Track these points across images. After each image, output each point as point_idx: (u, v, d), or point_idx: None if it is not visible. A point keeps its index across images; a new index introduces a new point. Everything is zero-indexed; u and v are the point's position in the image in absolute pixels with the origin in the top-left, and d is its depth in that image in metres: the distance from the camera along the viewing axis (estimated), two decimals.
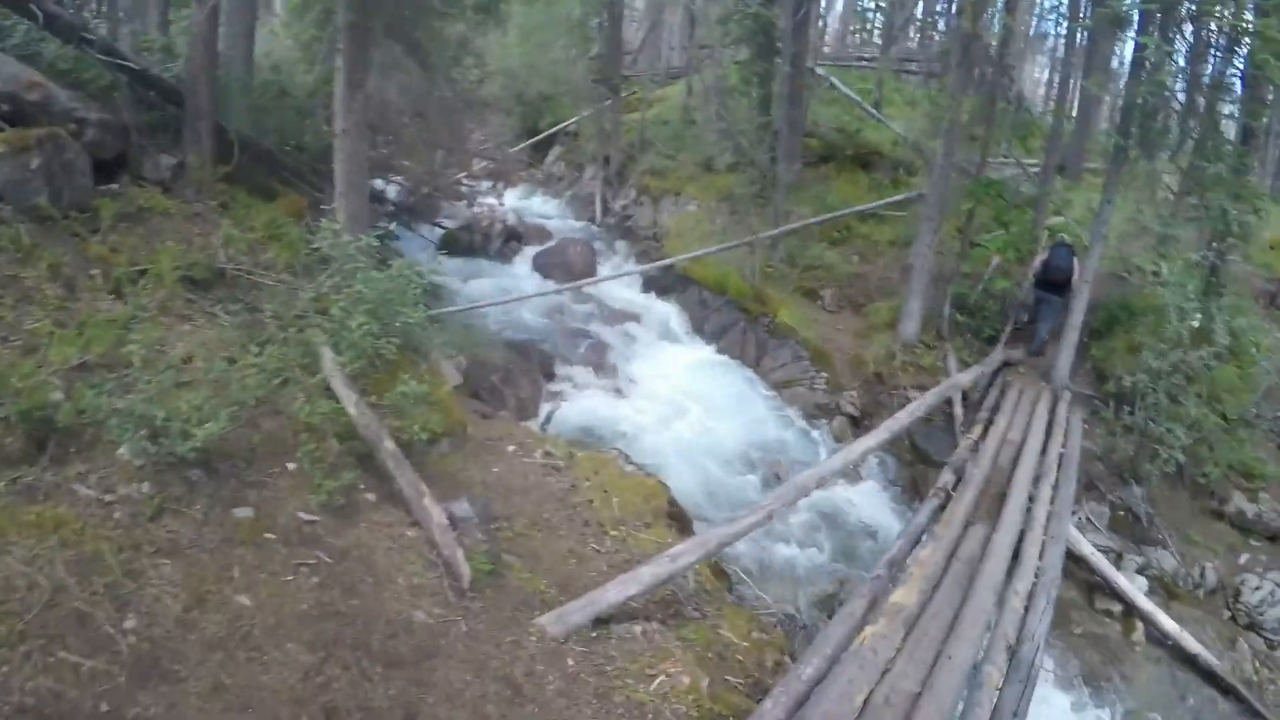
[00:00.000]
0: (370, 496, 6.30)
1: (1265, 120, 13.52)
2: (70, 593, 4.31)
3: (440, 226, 16.22)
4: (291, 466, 6.15)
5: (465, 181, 16.76)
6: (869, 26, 35.13)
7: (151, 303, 7.07)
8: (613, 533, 7.09)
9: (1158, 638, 9.34)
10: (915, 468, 11.38)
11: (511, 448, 8.30)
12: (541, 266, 16.48)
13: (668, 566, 5.81)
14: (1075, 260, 12.18)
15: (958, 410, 11.26)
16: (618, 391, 12.10)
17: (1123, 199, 12.22)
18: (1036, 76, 34.95)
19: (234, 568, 5.02)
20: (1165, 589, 9.97)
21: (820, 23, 30.96)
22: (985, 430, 9.92)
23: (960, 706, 5.32)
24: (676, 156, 19.10)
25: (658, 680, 5.27)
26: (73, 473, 5.20)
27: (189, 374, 6.21)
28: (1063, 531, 7.83)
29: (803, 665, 5.26)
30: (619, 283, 15.84)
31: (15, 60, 7.77)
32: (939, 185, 12.59)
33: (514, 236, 17.61)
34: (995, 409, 10.78)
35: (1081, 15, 17.15)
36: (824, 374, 12.77)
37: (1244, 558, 10.41)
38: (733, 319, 14.31)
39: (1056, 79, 25.56)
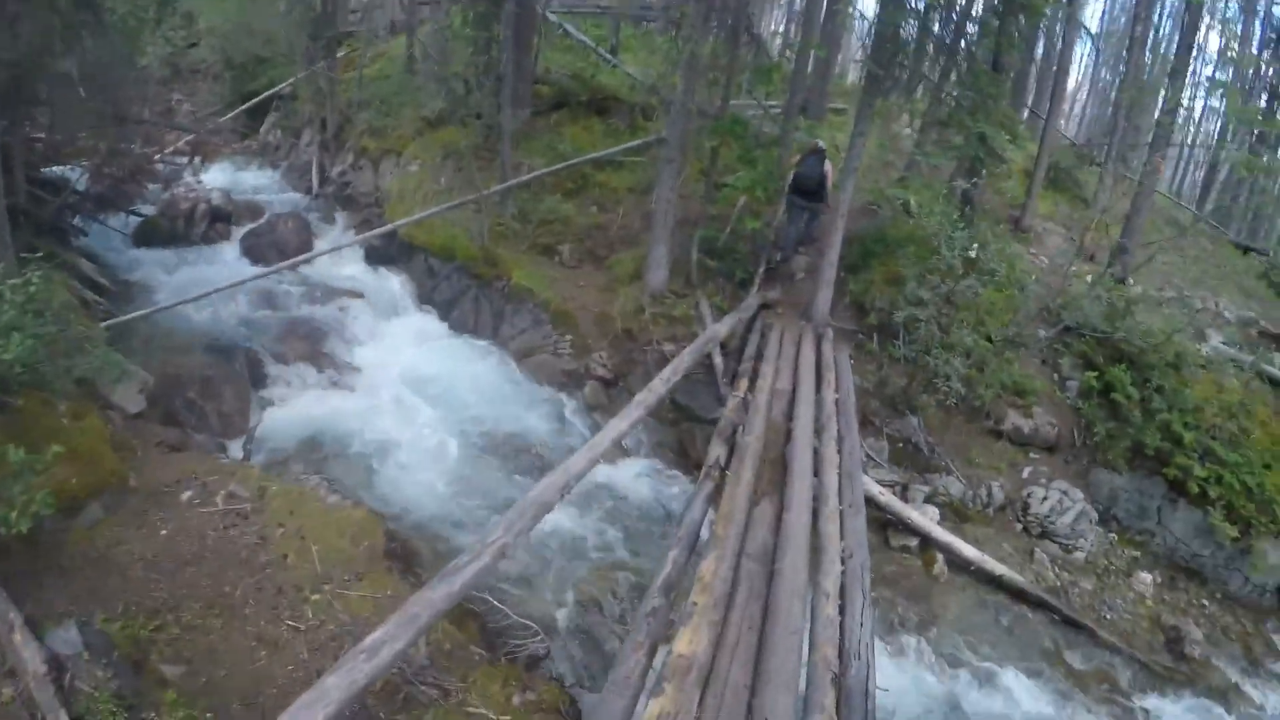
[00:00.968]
0: None
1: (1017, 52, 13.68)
2: None
3: (137, 214, 13.83)
4: None
5: (168, 159, 14.51)
6: None
7: None
8: (314, 597, 5.92)
9: (960, 564, 9.30)
10: (680, 427, 10.65)
11: (188, 494, 6.82)
12: (251, 249, 14.35)
13: (365, 668, 4.08)
14: (828, 165, 11.86)
15: (718, 361, 10.40)
16: (340, 386, 10.61)
17: (874, 133, 12.13)
18: (773, 30, 35.25)
19: None
20: (956, 513, 9.95)
21: None
22: (752, 382, 8.92)
23: None
24: (397, 113, 17.33)
25: None
26: None
27: None
28: (859, 496, 6.81)
29: None
30: (339, 258, 14.00)
31: None
32: (679, 125, 11.63)
33: (221, 217, 15.24)
34: (759, 356, 9.87)
35: None
36: (569, 336, 11.79)
37: (1027, 471, 10.52)
38: (464, 286, 13.01)
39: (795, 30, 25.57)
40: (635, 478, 9.68)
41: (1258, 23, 22.25)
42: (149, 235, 13.74)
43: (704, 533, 6.12)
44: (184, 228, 14.44)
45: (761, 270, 12.36)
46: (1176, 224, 16.58)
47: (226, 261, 13.94)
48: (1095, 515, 10.33)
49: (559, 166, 14.19)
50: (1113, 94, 29.92)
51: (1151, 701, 8.78)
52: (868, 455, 10.10)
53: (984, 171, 12.14)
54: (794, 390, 8.83)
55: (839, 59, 21.44)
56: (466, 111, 14.22)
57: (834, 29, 16.86)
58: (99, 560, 5.86)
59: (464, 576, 4.65)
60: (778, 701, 4.37)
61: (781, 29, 33.19)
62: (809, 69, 15.96)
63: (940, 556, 9.40)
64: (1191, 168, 31.98)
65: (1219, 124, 26.18)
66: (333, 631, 5.67)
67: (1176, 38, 20.62)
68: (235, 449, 8.83)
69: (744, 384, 8.78)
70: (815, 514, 6.43)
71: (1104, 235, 13.53)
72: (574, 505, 8.68)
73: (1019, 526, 10.15)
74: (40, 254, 6.84)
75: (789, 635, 4.82)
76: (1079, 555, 10.00)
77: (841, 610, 5.27)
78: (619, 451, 9.89)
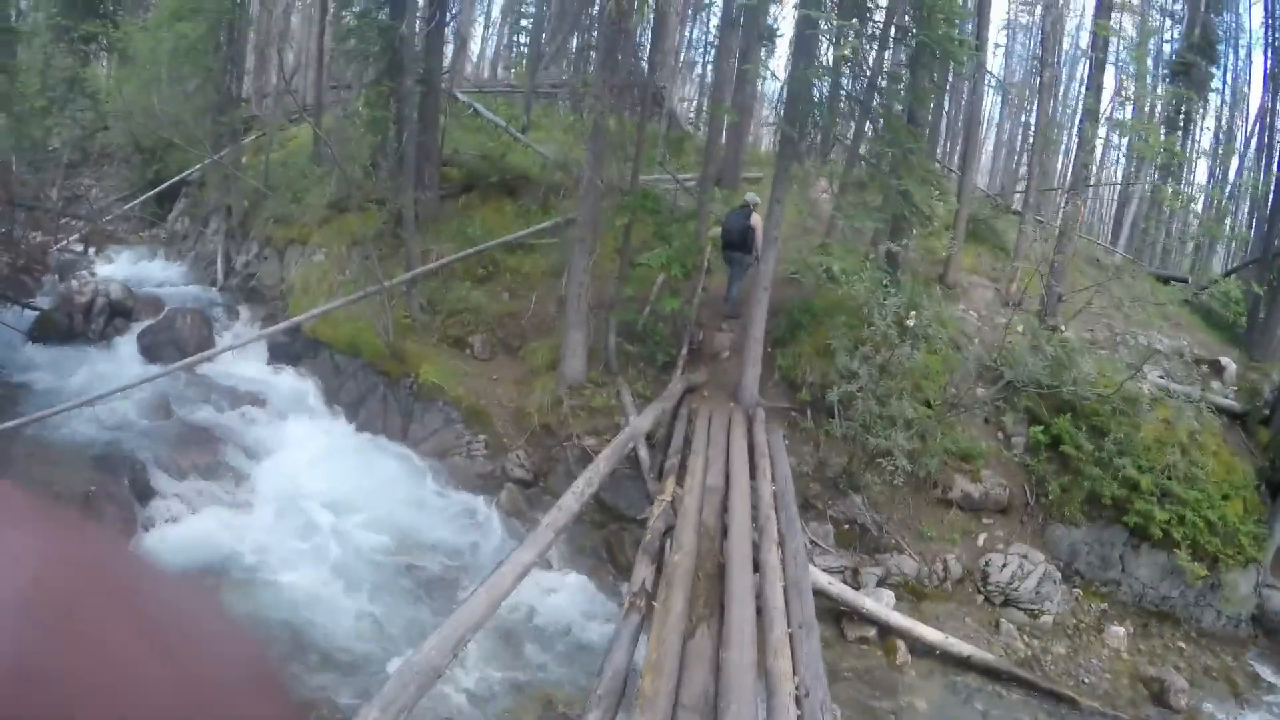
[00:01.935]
0: None
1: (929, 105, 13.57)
2: None
3: (32, 308, 13.03)
4: None
5: (66, 248, 13.94)
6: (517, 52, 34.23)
7: None
8: None
9: (924, 649, 8.78)
10: (607, 529, 9.94)
11: None
12: (148, 347, 13.38)
13: None
14: (755, 218, 11.61)
15: (643, 455, 9.72)
16: (236, 503, 9.58)
17: (791, 199, 11.74)
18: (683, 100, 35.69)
19: None
20: (913, 592, 9.51)
21: (466, 49, 29.86)
22: (680, 479, 8.19)
23: None
24: (302, 200, 16.47)
25: None
26: None
27: None
28: (809, 611, 5.99)
29: None
30: (242, 356, 13.08)
31: None
32: (589, 202, 11.10)
33: (121, 312, 14.26)
34: (687, 446, 9.20)
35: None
36: (483, 436, 11.03)
37: (982, 539, 10.12)
38: (371, 384, 12.19)
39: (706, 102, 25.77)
40: (554, 597, 8.83)
41: (1149, 60, 22.83)
42: (45, 330, 12.92)
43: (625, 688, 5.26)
44: (81, 323, 13.53)
45: (684, 351, 11.74)
46: (1097, 263, 16.48)
47: (123, 360, 12.98)
48: (1058, 575, 9.88)
49: (468, 252, 13.48)
50: (1018, 143, 30.72)
51: None
52: (812, 542, 9.49)
53: (913, 230, 11.80)
54: (727, 485, 8.14)
55: (751, 127, 21.29)
56: (366, 197, 13.53)
57: (745, 95, 16.61)
58: None
59: None
60: None
61: (693, 99, 33.41)
62: (722, 138, 15.64)
63: (901, 644, 8.82)
64: (1099, 205, 32.82)
65: (1123, 161, 26.84)
66: None
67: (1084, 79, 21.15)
68: None
69: (670, 483, 8.05)
70: (761, 642, 5.65)
71: (1030, 282, 13.23)
72: (476, 645, 7.81)
73: (980, 598, 9.66)
74: None
75: None
76: (1046, 619, 9.53)
77: None
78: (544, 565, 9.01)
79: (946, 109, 21.93)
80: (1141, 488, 9.82)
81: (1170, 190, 16.26)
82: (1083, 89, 22.93)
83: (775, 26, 11.54)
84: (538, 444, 10.81)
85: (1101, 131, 15.91)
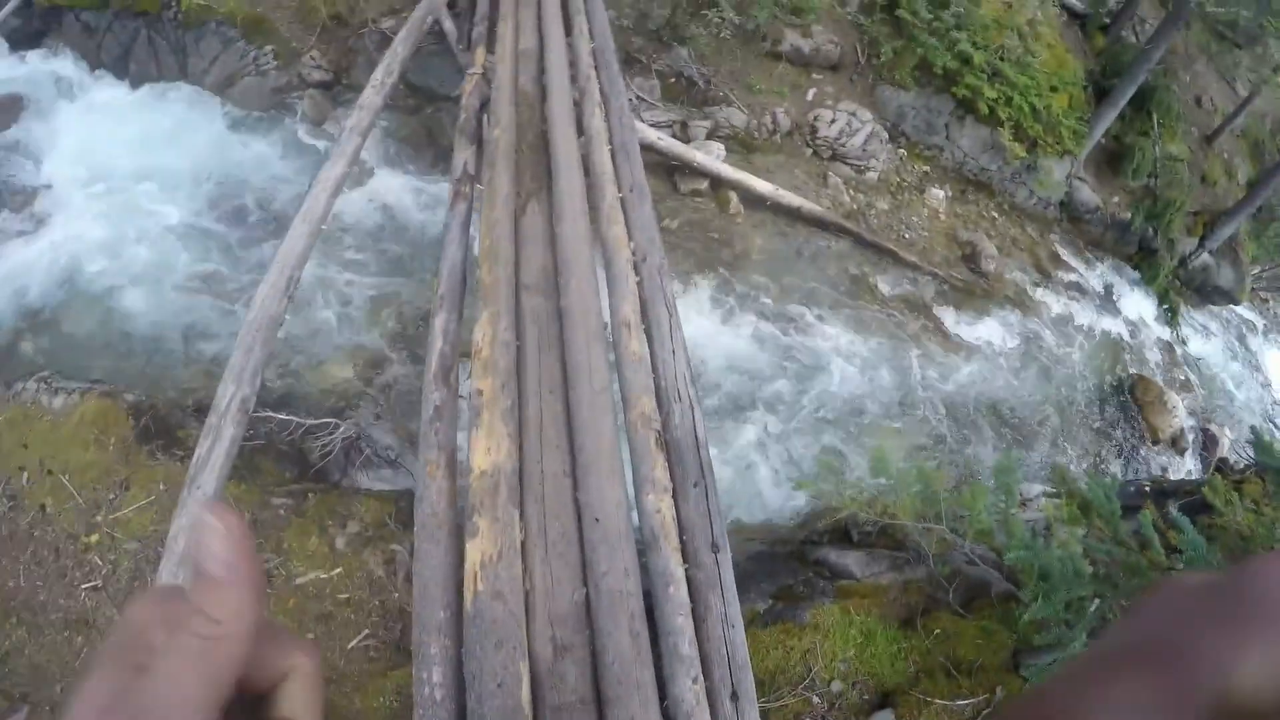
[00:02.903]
0: None
1: None
2: None
3: None
4: None
5: None
6: None
7: None
8: (94, 539, 4.84)
9: (755, 200, 8.82)
10: (423, 114, 9.08)
11: None
12: None
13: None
14: None
15: (448, 26, 8.42)
16: (36, 220, 8.04)
17: None
18: None
19: None
20: (742, 144, 9.34)
21: None
22: (490, 47, 7.12)
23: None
24: None
25: None
26: None
27: None
28: (639, 174, 5.51)
29: None
30: None
31: None
32: None
33: None
34: (494, 9, 7.88)
35: None
36: (269, 47, 9.33)
37: (811, 94, 9.83)
38: (131, 31, 9.75)
39: None
40: (386, 197, 8.21)
41: None
42: None
43: (464, 280, 4.82)
44: None
45: None
46: None
47: None
48: (885, 135, 9.76)
49: None
50: None
51: (955, 316, 8.87)
52: (638, 97, 8.93)
53: None
54: (541, 47, 7.17)
55: None
56: None
57: None
58: None
59: (215, 467, 3.41)
60: (604, 490, 3.48)
61: None
62: None
63: (734, 195, 8.81)
64: None
65: None
66: (129, 570, 4.71)
67: None
68: None
69: (480, 52, 7.01)
70: (594, 210, 5.26)
71: None
72: (324, 256, 7.22)
73: (809, 151, 9.55)
74: None
75: (597, 395, 3.82)
76: (872, 175, 9.58)
77: (648, 334, 4.31)
78: (361, 171, 8.19)
79: None
80: (974, 63, 9.63)
81: None
82: None
83: None
84: (331, 39, 9.32)
85: None
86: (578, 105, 6.35)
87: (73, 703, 0.39)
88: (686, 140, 8.80)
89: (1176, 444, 9.13)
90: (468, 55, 7.26)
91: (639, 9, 9.10)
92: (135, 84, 9.50)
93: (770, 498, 6.91)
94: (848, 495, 5.09)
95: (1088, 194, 10.75)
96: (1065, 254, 10.53)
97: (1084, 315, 9.97)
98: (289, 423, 5.42)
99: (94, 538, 4.82)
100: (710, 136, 9.01)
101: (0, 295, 7.28)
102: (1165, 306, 10.86)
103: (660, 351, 4.13)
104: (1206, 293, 11.69)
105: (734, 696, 3.11)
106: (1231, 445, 9.50)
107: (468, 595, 3.18)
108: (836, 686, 4.40)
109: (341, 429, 5.64)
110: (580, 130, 6.08)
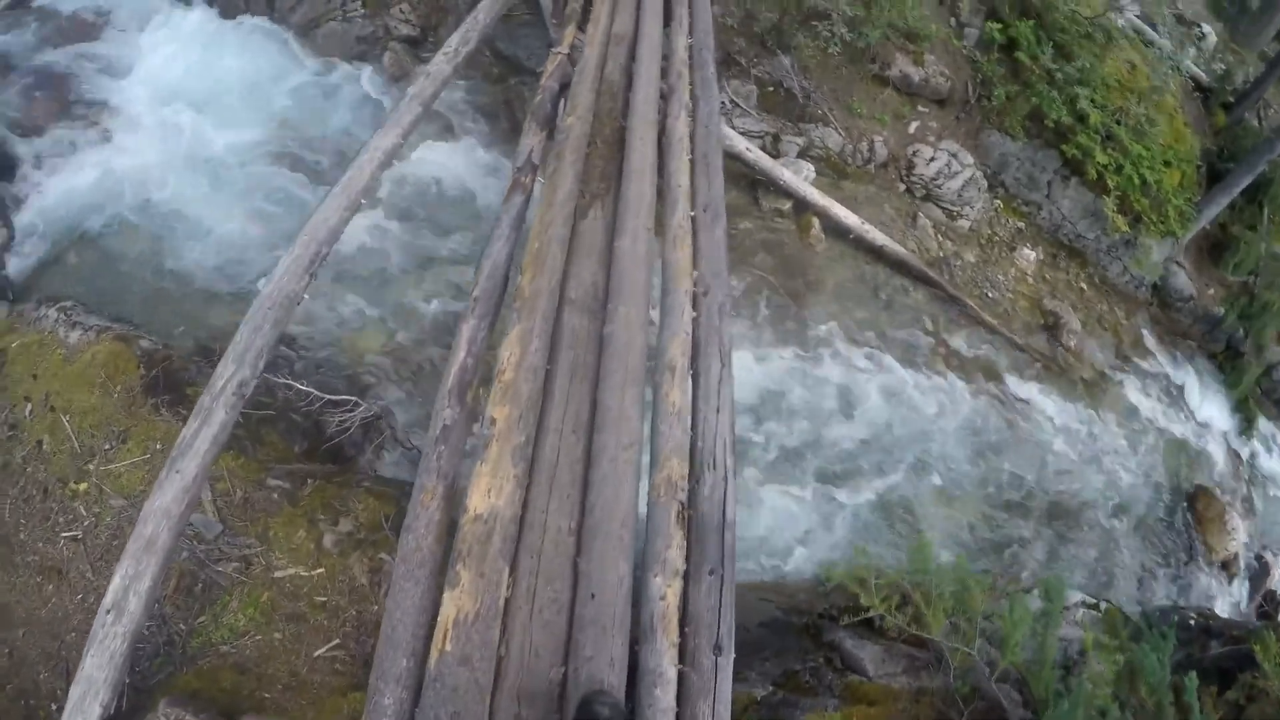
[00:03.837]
0: None
1: None
2: None
3: None
4: None
5: None
6: None
7: None
8: (81, 487, 4.62)
9: (838, 231, 8.33)
10: (506, 84, 8.71)
11: None
12: None
13: (120, 629, 3.07)
14: None
15: None
16: (102, 137, 7.92)
17: None
18: None
19: None
20: (834, 168, 8.82)
21: None
22: (582, 26, 6.67)
23: None
24: None
25: None
26: None
27: None
28: (717, 192, 5.04)
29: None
30: None
31: None
32: None
33: None
34: None
35: None
36: None
37: (914, 126, 9.27)
38: None
39: None
40: (453, 166, 7.88)
41: None
42: None
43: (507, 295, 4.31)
44: None
45: None
46: None
47: None
48: (985, 183, 9.17)
49: None
50: None
51: (1026, 390, 8.32)
52: (732, 101, 8.49)
53: None
54: (635, 34, 6.72)
55: None
56: None
57: None
58: None
59: (200, 453, 3.13)
60: (607, 561, 3.07)
61: None
62: None
63: (816, 222, 8.35)
64: None
65: None
66: (111, 528, 4.47)
67: None
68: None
69: (571, 31, 6.57)
70: (660, 225, 4.81)
71: None
72: (371, 221, 6.97)
73: (902, 187, 9.04)
74: None
75: (622, 449, 3.40)
76: (964, 223, 9.03)
77: (695, 381, 3.86)
78: (432, 132, 7.85)
79: None
80: (1089, 122, 8.98)
81: None
82: None
83: None
84: None
85: None
86: (663, 104, 5.91)
87: None
88: (776, 155, 8.34)
89: (1228, 568, 8.45)
90: (557, 36, 6.82)
91: (746, 7, 8.58)
92: (222, 13, 9.31)
93: (797, 552, 6.46)
94: (879, 596, 4.61)
95: (1184, 280, 10.01)
96: (1149, 339, 9.81)
97: (1156, 410, 9.25)
98: (307, 394, 5.09)
99: (83, 486, 4.61)
100: (802, 155, 8.56)
101: (56, 207, 7.18)
102: (1242, 415, 10.09)
103: (703, 406, 3.69)
104: None
105: None
106: None
107: (434, 652, 2.81)
108: None
109: (362, 408, 5.31)
110: (661, 132, 5.65)
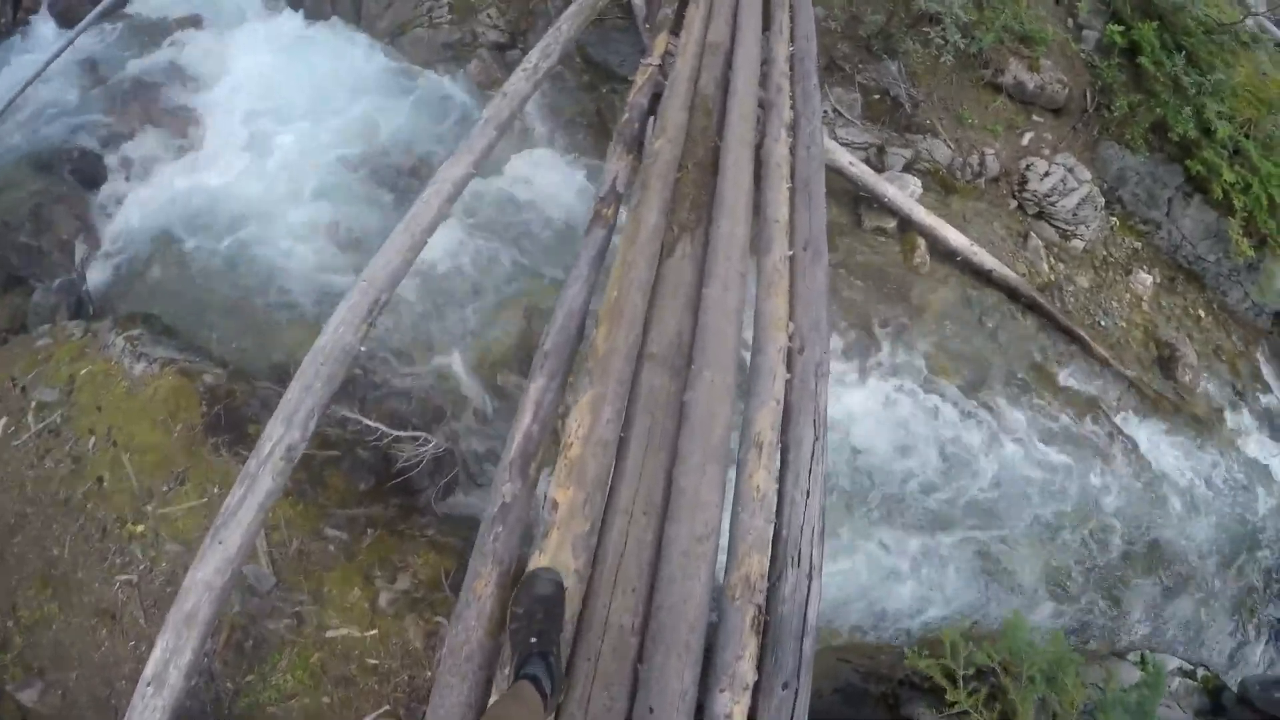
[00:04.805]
0: None
1: None
2: None
3: None
4: None
5: None
6: None
7: None
8: (138, 529, 4.48)
9: (944, 254, 7.88)
10: (597, 92, 8.39)
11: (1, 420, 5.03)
12: (63, 11, 9.95)
13: (159, 703, 2.78)
14: None
15: (637, 1, 7.56)
16: (186, 149, 7.89)
17: None
18: None
19: None
20: (941, 183, 8.34)
21: None
22: (675, 33, 6.22)
23: None
24: None
25: None
26: None
27: None
28: (819, 227, 4.58)
29: None
30: None
31: None
32: None
33: None
34: None
35: None
36: None
37: (1027, 138, 8.67)
38: None
39: None
40: (540, 179, 7.63)
41: None
42: None
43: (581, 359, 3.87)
44: None
45: None
46: None
47: (43, 40, 9.82)
48: (1101, 200, 8.54)
49: None
50: None
51: (1137, 429, 7.65)
52: (834, 110, 8.01)
53: None
54: (733, 41, 6.26)
55: None
56: None
57: None
58: None
59: (244, 524, 2.93)
60: (669, 670, 2.69)
61: None
62: None
63: (922, 242, 7.88)
64: None
65: None
66: (166, 574, 4.32)
67: None
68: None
69: (662, 39, 6.14)
70: (754, 266, 4.37)
71: None
72: (452, 234, 6.72)
73: (1014, 204, 8.48)
74: None
75: (697, 542, 3.02)
76: (1078, 244, 8.43)
77: (783, 457, 3.45)
78: (519, 141, 7.65)
79: None
80: (1217, 136, 8.22)
81: None
82: None
83: None
84: None
85: None
86: (761, 122, 5.45)
87: None
88: (880, 169, 7.85)
89: None
90: (651, 38, 6.40)
91: (851, 10, 8.05)
92: (308, 17, 9.22)
93: (882, 608, 6.01)
94: (965, 689, 4.16)
95: None
96: (1268, 371, 8.95)
97: (1272, 454, 8.41)
98: (371, 431, 4.84)
99: (140, 528, 4.45)
100: (908, 169, 8.07)
101: (141, 220, 7.13)
102: None
103: (791, 489, 3.28)
104: None
105: None
106: None
107: None
108: None
109: (432, 443, 5.03)
110: (758, 153, 5.19)
